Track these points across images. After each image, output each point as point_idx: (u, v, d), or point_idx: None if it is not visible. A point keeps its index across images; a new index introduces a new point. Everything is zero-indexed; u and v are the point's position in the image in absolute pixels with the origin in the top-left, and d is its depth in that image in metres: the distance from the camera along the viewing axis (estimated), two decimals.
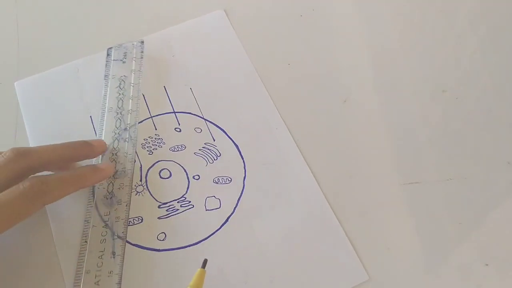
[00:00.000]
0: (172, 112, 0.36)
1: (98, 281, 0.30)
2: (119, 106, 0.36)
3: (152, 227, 0.32)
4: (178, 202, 0.33)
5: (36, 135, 0.36)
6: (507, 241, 0.33)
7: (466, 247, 0.33)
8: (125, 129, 0.35)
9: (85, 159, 0.33)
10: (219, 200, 0.34)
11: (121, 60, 0.38)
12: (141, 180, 0.34)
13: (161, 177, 0.34)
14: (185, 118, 0.36)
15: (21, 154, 0.29)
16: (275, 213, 0.33)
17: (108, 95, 0.37)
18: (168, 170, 0.34)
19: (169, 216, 0.33)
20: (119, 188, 0.33)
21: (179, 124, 0.36)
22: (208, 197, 0.34)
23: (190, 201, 0.33)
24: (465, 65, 0.40)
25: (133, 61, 0.38)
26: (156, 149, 0.35)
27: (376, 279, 0.31)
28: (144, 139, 0.35)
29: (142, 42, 0.39)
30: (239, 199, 0.34)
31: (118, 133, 0.35)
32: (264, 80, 0.38)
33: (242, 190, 0.34)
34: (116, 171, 0.34)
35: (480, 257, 0.32)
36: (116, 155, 0.34)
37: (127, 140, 0.35)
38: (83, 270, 0.30)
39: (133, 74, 0.37)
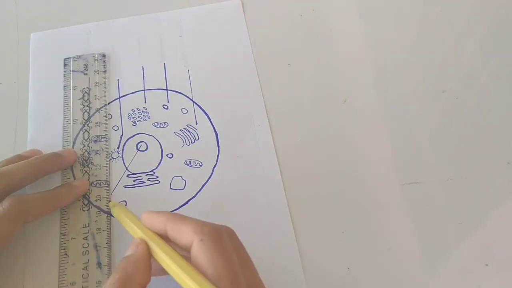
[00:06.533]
0: (164, 89, 0.37)
1: None
2: (85, 118, 0.36)
3: (116, 193, 0.33)
4: (146, 175, 0.34)
5: (37, 92, 0.37)
6: (507, 241, 0.33)
7: (466, 247, 0.33)
8: (95, 141, 0.35)
9: (58, 171, 0.34)
10: (185, 182, 0.34)
11: (81, 71, 0.38)
12: (118, 148, 0.35)
13: (137, 148, 0.35)
14: (175, 96, 0.37)
15: None
16: (234, 208, 0.33)
17: (71, 107, 0.36)
18: (146, 143, 0.35)
19: (134, 187, 0.34)
20: (96, 200, 0.33)
21: (168, 102, 0.37)
22: (175, 177, 0.34)
23: (157, 177, 0.34)
24: (465, 65, 0.40)
25: (96, 74, 0.38)
26: (140, 121, 0.36)
27: (376, 279, 0.31)
28: (132, 110, 0.36)
29: (104, 55, 0.39)
30: (204, 184, 0.34)
31: (88, 145, 0.35)
32: (262, 77, 0.38)
33: (210, 177, 0.34)
34: (91, 184, 0.34)
35: (480, 257, 0.32)
36: (88, 167, 0.34)
37: (98, 152, 0.35)
38: (67, 282, 0.30)
39: (97, 87, 0.37)
